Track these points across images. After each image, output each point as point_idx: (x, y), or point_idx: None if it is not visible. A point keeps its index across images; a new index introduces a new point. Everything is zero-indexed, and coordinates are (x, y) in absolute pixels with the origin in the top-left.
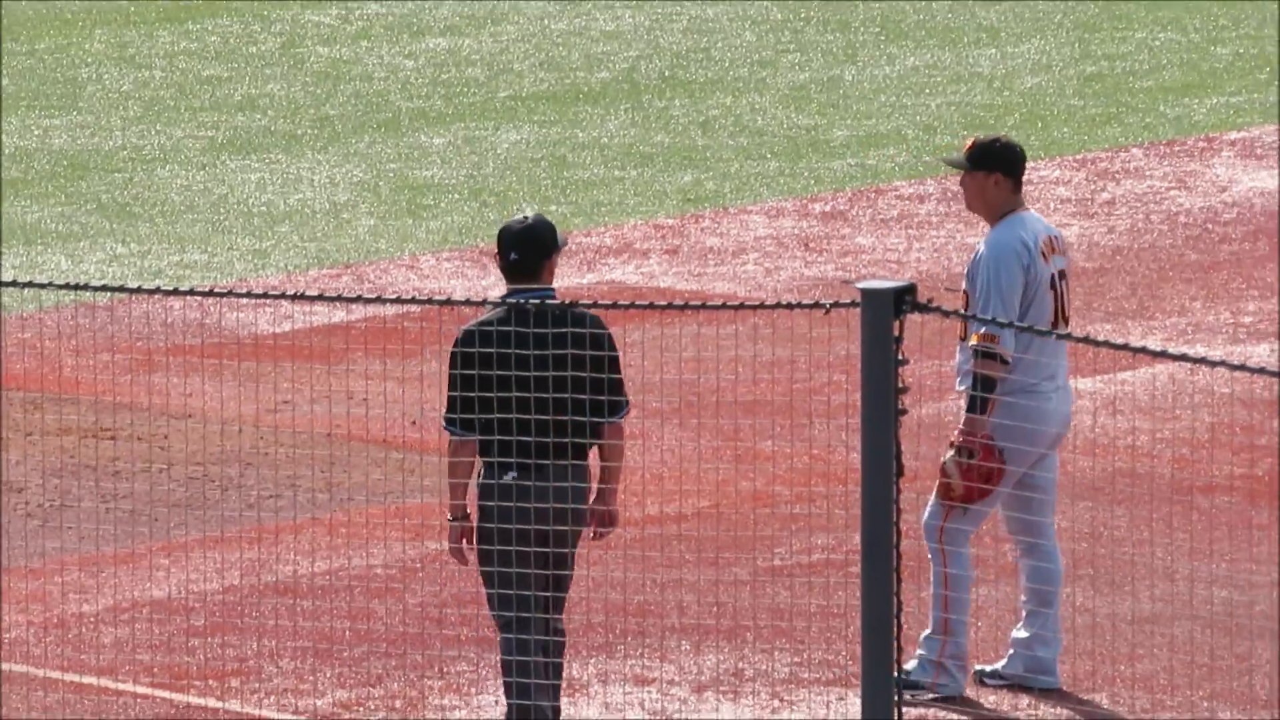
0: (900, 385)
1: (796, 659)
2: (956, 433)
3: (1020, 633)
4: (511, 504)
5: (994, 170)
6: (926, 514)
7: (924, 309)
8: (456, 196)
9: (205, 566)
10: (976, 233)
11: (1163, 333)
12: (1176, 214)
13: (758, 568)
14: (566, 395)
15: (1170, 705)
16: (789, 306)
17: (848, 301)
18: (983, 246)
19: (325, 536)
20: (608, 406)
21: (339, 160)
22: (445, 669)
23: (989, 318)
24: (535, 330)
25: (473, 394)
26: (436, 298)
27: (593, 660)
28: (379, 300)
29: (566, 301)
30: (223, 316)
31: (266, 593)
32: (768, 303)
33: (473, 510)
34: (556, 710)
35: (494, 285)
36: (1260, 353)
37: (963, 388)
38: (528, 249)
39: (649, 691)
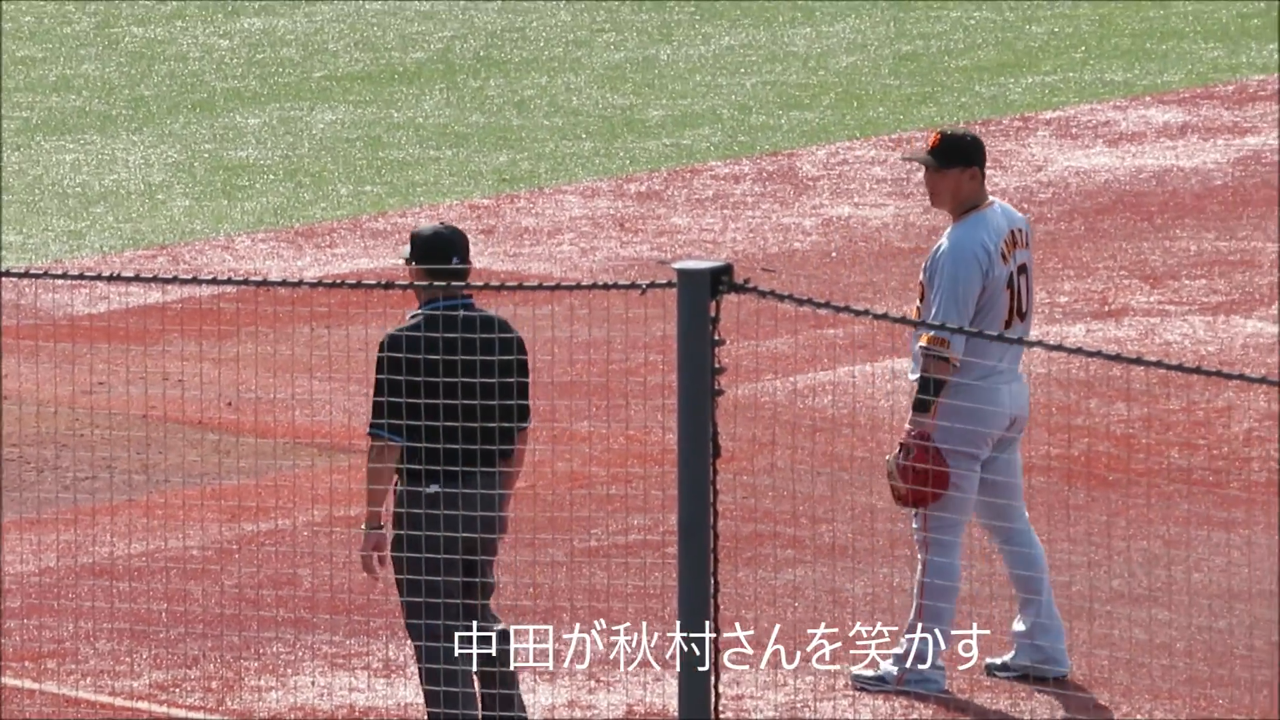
0: (717, 366)
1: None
2: (903, 432)
3: (1019, 625)
4: (438, 513)
5: (969, 165)
6: (914, 527)
7: (740, 289)
8: (272, 177)
9: (21, 548)
10: (792, 213)
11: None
12: (991, 193)
13: (574, 549)
14: (501, 402)
15: (987, 685)
16: (605, 287)
17: (664, 282)
18: (945, 243)
19: (141, 518)
20: (518, 414)
21: (154, 141)
22: (261, 650)
23: (939, 322)
24: (468, 337)
25: (402, 399)
26: (252, 279)
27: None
28: (194, 281)
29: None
30: (38, 298)
31: (83, 574)
32: (584, 283)
33: (386, 520)
34: (521, 702)
35: (309, 266)
36: (1076, 333)
37: (914, 378)
38: (464, 253)
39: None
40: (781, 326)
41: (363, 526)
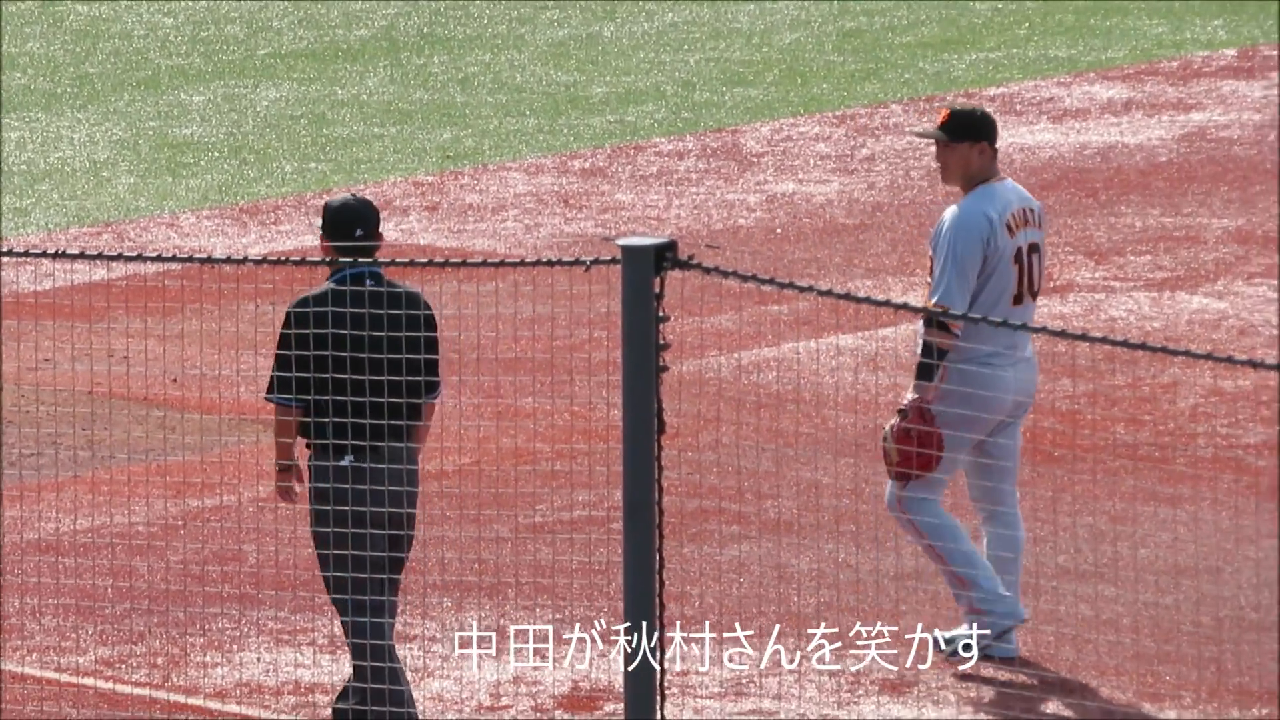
0: (661, 342)
1: (559, 615)
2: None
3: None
4: (356, 486)
5: (979, 140)
6: (886, 492)
7: (684, 265)
8: (216, 154)
9: None
10: (736, 189)
11: (924, 289)
12: (936, 170)
13: (519, 525)
14: (409, 378)
15: (937, 660)
16: (549, 263)
17: (608, 258)
18: (948, 215)
19: (87, 494)
20: (426, 387)
21: (99, 118)
22: (207, 626)
23: (944, 289)
24: (376, 310)
25: (306, 369)
26: (197, 256)
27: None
28: (139, 259)
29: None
30: None
31: (28, 550)
32: (528, 259)
33: (301, 488)
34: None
35: (254, 244)
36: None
37: (919, 349)
38: (370, 226)
39: (410, 649)
40: (726, 303)
41: (276, 463)
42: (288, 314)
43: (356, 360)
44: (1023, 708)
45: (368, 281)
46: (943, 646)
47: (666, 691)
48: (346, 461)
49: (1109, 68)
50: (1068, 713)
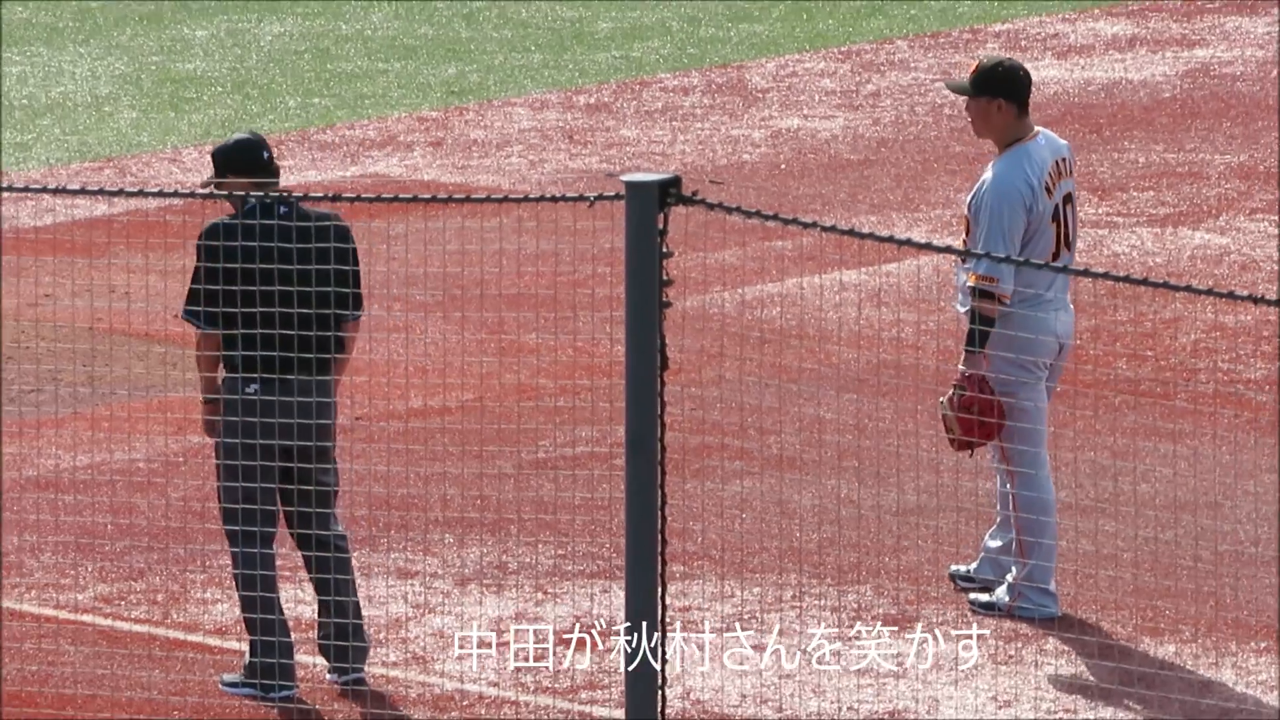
0: (665, 278)
1: (561, 552)
2: (956, 373)
3: (992, 540)
4: (255, 418)
5: (997, 96)
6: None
7: (689, 201)
8: (219, 89)
9: None
10: (741, 125)
11: (928, 224)
12: (941, 106)
13: (522, 461)
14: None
15: (934, 596)
16: (553, 199)
17: (612, 194)
18: (988, 177)
19: (87, 431)
20: (352, 300)
21: (101, 53)
22: (207, 563)
23: (988, 261)
24: (298, 232)
25: (219, 291)
26: (199, 191)
27: (356, 553)
28: (141, 194)
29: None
30: None
31: (28, 487)
32: (532, 195)
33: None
34: (357, 606)
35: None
36: None
37: (963, 310)
38: (270, 153)
39: (412, 584)
40: (730, 238)
41: (201, 400)
42: (202, 233)
43: (271, 281)
44: (1022, 642)
45: (282, 209)
46: (959, 583)
47: (668, 627)
48: (252, 390)
49: (1113, 4)
50: (1067, 647)
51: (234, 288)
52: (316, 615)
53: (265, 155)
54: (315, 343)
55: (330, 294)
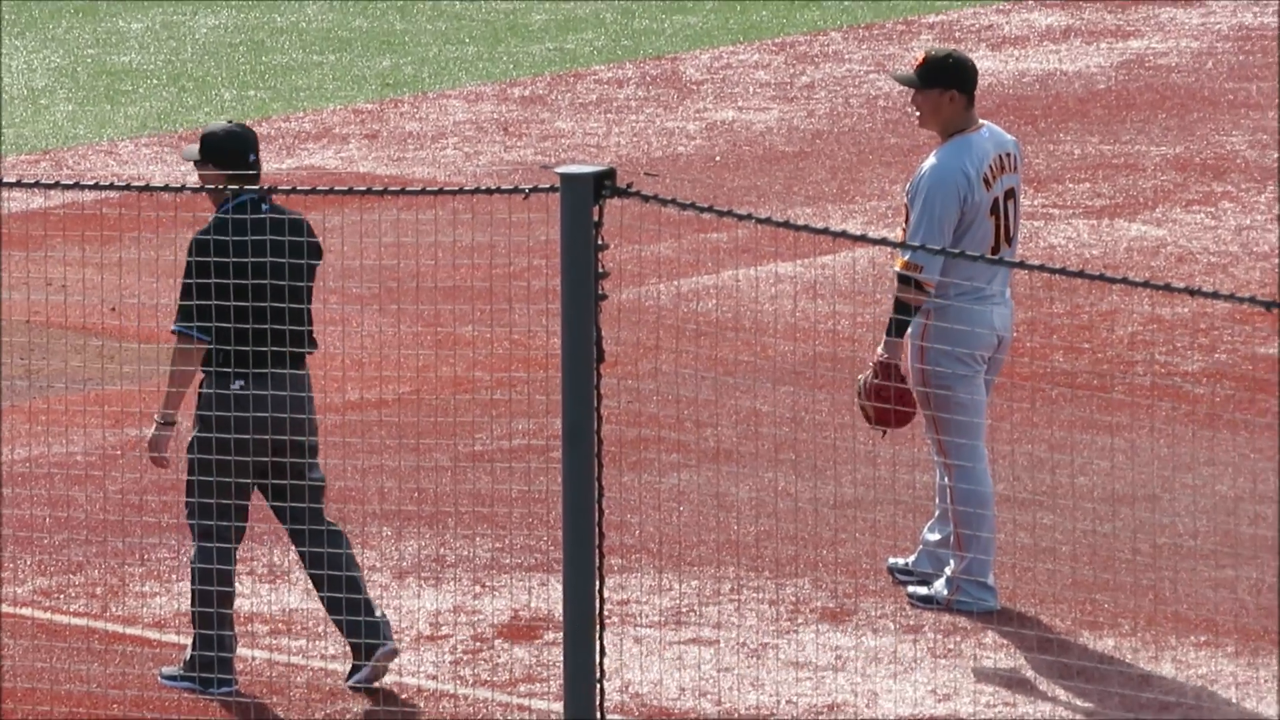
0: (600, 270)
1: (498, 544)
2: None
3: (931, 534)
4: (243, 413)
5: (950, 87)
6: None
7: (623, 194)
8: (155, 82)
9: None
10: (676, 117)
11: (863, 216)
12: (875, 97)
13: (459, 453)
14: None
15: (873, 590)
16: (489, 191)
17: (547, 186)
18: (926, 167)
19: (24, 424)
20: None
21: (36, 45)
22: (146, 556)
23: (918, 244)
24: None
25: (217, 295)
26: (135, 184)
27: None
28: (77, 186)
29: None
30: None
31: None
32: (467, 187)
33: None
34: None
35: (192, 171)
36: None
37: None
38: (258, 153)
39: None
40: (665, 231)
41: (155, 418)
42: (191, 244)
43: (258, 284)
44: (961, 635)
45: (264, 207)
46: (897, 576)
47: (606, 620)
48: (238, 385)
49: None
50: (1006, 641)
51: (227, 282)
52: (326, 612)
53: (252, 158)
54: (299, 337)
55: (310, 291)
